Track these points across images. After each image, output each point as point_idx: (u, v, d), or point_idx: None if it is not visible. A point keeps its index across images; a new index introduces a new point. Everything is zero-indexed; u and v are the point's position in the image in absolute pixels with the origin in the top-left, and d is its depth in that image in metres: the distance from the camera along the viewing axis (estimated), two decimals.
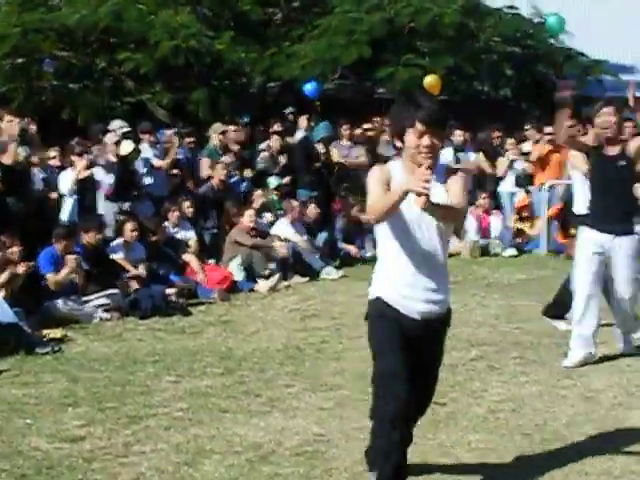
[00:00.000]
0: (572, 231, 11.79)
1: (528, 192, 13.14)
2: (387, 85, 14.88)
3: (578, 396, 5.75)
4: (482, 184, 13.37)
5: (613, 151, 6.24)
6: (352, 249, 11.60)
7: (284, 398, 5.77)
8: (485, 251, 12.27)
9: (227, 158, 11.65)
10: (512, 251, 12.21)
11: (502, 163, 13.38)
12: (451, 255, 11.99)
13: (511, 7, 15.96)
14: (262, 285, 9.78)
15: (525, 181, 13.24)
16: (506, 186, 13.37)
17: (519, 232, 12.76)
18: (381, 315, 4.06)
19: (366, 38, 14.62)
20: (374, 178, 4.00)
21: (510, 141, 13.49)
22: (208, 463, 4.62)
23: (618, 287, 6.38)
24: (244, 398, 5.78)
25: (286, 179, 12.10)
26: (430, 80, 12.78)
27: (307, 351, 7.08)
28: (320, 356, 6.92)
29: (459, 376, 6.20)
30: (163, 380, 6.22)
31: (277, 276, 9.88)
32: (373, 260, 4.59)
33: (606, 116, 6.17)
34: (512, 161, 13.28)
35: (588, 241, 6.40)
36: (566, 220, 11.48)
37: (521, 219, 12.83)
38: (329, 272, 10.59)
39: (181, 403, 5.67)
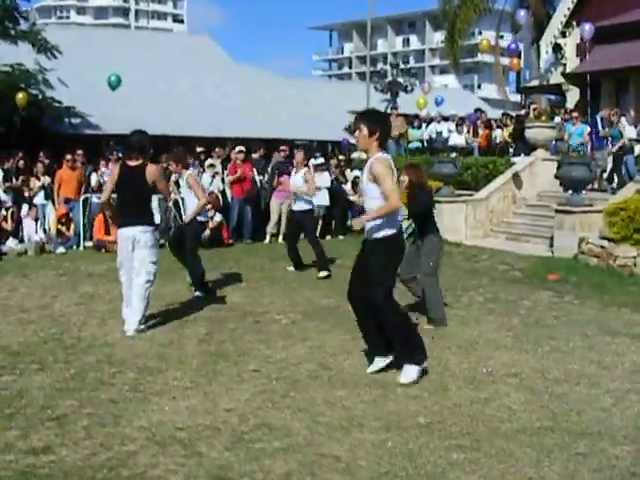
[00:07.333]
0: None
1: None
2: None
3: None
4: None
5: None
6: None
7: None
8: (43, 249, 17.49)
9: None
10: (62, 249, 17.66)
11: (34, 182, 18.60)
12: (20, 254, 17.04)
13: (20, 64, 20.78)
14: None
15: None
16: (39, 199, 18.63)
17: (59, 233, 18.19)
18: None
19: None
20: None
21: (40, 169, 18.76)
22: None
23: None
24: None
25: None
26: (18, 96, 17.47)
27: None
28: None
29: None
30: None
31: None
32: None
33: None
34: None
35: None
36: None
37: (62, 224, 18.26)
38: None
39: None
